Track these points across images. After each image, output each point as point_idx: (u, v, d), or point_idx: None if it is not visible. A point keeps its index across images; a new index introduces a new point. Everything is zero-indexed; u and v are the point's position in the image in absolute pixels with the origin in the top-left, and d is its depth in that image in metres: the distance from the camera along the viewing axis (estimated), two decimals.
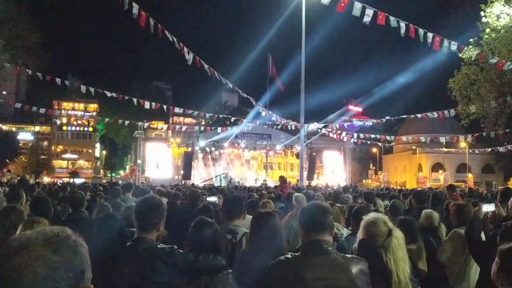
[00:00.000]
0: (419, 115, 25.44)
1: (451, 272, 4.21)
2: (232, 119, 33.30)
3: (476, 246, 3.59)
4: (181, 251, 2.43)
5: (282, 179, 13.86)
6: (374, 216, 2.74)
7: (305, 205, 2.52)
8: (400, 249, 2.56)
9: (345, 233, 4.06)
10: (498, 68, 15.59)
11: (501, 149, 29.74)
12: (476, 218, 3.68)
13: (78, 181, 42.68)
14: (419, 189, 13.78)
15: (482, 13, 19.30)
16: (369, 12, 12.30)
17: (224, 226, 3.46)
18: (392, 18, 12.47)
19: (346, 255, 2.37)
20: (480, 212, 3.64)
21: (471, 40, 18.97)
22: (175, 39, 14.52)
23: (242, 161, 41.58)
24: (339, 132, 33.19)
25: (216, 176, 33.96)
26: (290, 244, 4.28)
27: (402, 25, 12.53)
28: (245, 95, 22.35)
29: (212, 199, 6.20)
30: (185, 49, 15.23)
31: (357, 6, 12.37)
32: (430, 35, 12.90)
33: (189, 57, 15.40)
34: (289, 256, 2.28)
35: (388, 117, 28.23)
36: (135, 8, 12.54)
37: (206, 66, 16.70)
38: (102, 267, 2.23)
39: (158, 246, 2.39)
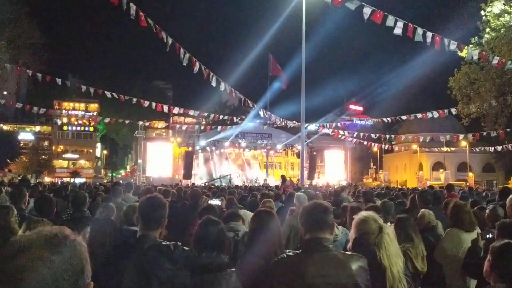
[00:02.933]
0: (419, 115, 25.42)
1: (448, 271, 4.24)
2: (233, 118, 33.31)
3: (473, 272, 3.57)
4: (185, 248, 2.48)
5: (283, 178, 13.97)
6: (365, 214, 2.79)
7: (306, 204, 2.58)
8: (392, 244, 2.61)
9: (340, 233, 4.09)
10: (498, 67, 15.61)
11: (500, 147, 29.78)
12: (476, 247, 3.65)
13: (79, 180, 42.75)
14: (420, 188, 13.77)
15: (482, 12, 19.33)
16: (367, 10, 12.28)
17: (226, 225, 3.52)
18: (390, 17, 12.45)
19: (346, 252, 2.43)
20: (480, 241, 3.64)
21: (472, 39, 19.00)
22: (170, 40, 14.45)
23: (242, 161, 41.60)
24: (340, 131, 33.22)
25: (225, 176, 33.90)
26: (291, 243, 4.34)
27: (401, 24, 12.52)
28: (242, 97, 22.26)
29: (215, 202, 5.83)
30: (182, 50, 15.18)
31: (354, 2, 12.35)
32: (429, 34, 12.88)
33: (185, 58, 15.31)
34: (290, 253, 2.34)
35: (388, 118, 28.19)
36: (133, 8, 12.54)
37: (203, 67, 16.63)
38: (107, 264, 2.28)
39: (163, 243, 2.44)
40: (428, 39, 12.84)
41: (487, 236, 3.53)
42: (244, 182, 32.35)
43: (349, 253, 2.43)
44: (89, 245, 1.12)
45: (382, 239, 2.57)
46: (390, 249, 2.57)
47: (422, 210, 4.92)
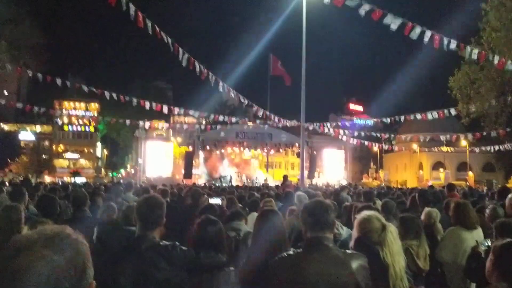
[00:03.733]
0: (418, 115, 25.29)
1: (449, 270, 4.23)
2: (234, 119, 33.24)
3: (475, 276, 3.56)
4: (183, 247, 2.47)
5: (285, 178, 13.99)
6: (367, 213, 2.78)
7: (307, 202, 2.57)
8: (395, 243, 2.61)
9: (344, 233, 4.09)
10: (498, 67, 15.57)
11: (500, 147, 29.76)
12: (475, 253, 3.64)
13: (79, 180, 42.78)
14: (421, 188, 13.78)
15: (482, 12, 19.31)
16: (366, 7, 12.24)
17: (228, 225, 3.52)
18: (389, 16, 12.38)
19: (347, 251, 2.42)
20: (480, 248, 3.63)
21: (472, 39, 18.98)
22: (169, 40, 14.40)
23: (242, 160, 41.60)
24: (340, 131, 33.20)
25: (224, 176, 33.86)
26: (292, 242, 4.33)
27: (399, 22, 12.44)
28: (241, 97, 22.20)
29: (216, 201, 5.84)
30: (180, 50, 15.12)
31: (354, 0, 12.33)
32: (428, 33, 12.81)
33: (184, 58, 15.25)
34: (291, 252, 2.33)
35: (387, 118, 28.09)
36: (132, 9, 12.47)
37: (201, 67, 16.57)
38: (106, 265, 2.27)
39: (161, 243, 2.43)
40: (428, 38, 12.79)
41: (486, 243, 3.53)
42: (244, 182, 32.33)
43: (350, 251, 2.42)
44: (96, 247, 1.10)
45: (386, 237, 2.57)
46: (393, 247, 2.57)
47: (428, 208, 4.92)
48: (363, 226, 2.67)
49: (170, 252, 2.36)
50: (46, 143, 70.93)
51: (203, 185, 23.03)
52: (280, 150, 41.33)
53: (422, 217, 4.86)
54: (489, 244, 3.51)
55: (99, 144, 77.16)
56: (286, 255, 2.31)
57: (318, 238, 2.28)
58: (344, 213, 5.25)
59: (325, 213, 2.35)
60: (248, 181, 34.29)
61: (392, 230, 2.65)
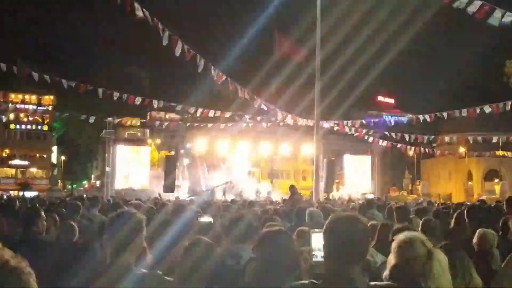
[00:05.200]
0: (464, 111, 25.23)
1: None
2: (227, 114, 33.29)
3: None
4: (166, 278, 2.47)
5: (293, 189, 13.95)
6: (409, 235, 2.75)
7: (335, 218, 2.39)
8: (444, 275, 2.58)
9: (379, 260, 4.11)
10: None
11: None
12: None
13: (29, 194, 42.79)
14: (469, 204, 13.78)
15: None
16: None
17: (227, 248, 3.53)
18: None
19: (377, 283, 2.41)
20: None
21: None
22: (146, 13, 14.41)
23: (239, 168, 41.66)
24: (364, 130, 33.26)
25: (216, 186, 33.87)
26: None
27: None
28: (239, 86, 22.23)
29: (207, 219, 5.90)
30: (160, 26, 15.13)
31: None
32: (477, 3, 12.77)
33: (165, 36, 15.28)
34: (306, 282, 2.31)
35: (427, 115, 28.07)
36: None
37: (186, 47, 16.54)
38: None
39: (137, 272, 2.43)
40: (476, 9, 12.73)
41: None
42: (241, 195, 32.32)
43: (380, 283, 2.41)
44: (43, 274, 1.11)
45: (432, 268, 2.55)
46: (442, 280, 2.55)
47: (482, 229, 4.92)
48: (404, 251, 2.65)
49: (150, 283, 2.36)
50: None
51: (188, 200, 23.00)
52: (288, 155, 41.36)
53: (475, 240, 4.86)
54: None
55: (55, 147, 77.27)
56: (300, 285, 2.30)
57: (342, 269, 2.24)
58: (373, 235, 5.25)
59: (359, 238, 2.28)
60: (242, 194, 34.25)
61: (441, 258, 2.63)
